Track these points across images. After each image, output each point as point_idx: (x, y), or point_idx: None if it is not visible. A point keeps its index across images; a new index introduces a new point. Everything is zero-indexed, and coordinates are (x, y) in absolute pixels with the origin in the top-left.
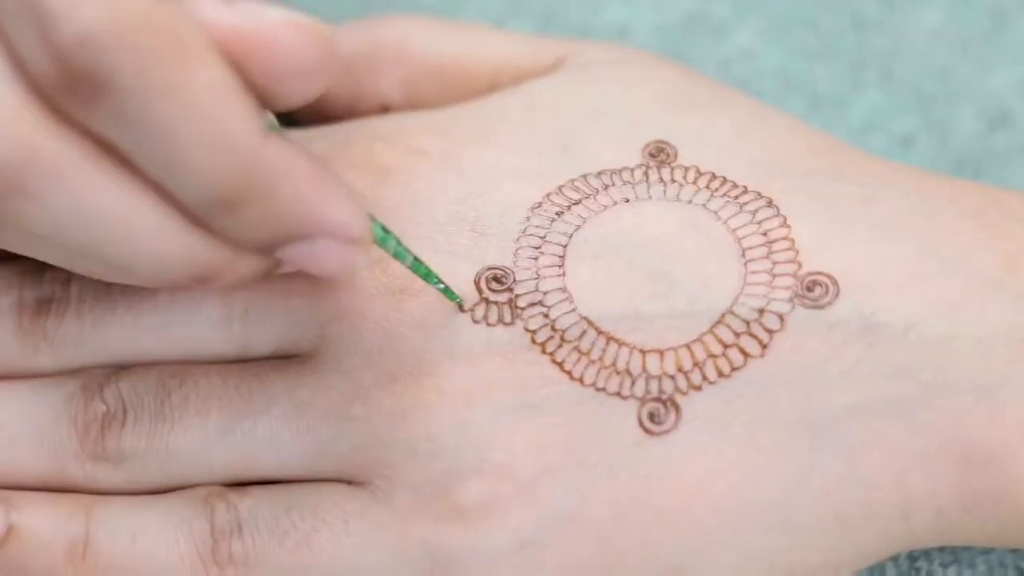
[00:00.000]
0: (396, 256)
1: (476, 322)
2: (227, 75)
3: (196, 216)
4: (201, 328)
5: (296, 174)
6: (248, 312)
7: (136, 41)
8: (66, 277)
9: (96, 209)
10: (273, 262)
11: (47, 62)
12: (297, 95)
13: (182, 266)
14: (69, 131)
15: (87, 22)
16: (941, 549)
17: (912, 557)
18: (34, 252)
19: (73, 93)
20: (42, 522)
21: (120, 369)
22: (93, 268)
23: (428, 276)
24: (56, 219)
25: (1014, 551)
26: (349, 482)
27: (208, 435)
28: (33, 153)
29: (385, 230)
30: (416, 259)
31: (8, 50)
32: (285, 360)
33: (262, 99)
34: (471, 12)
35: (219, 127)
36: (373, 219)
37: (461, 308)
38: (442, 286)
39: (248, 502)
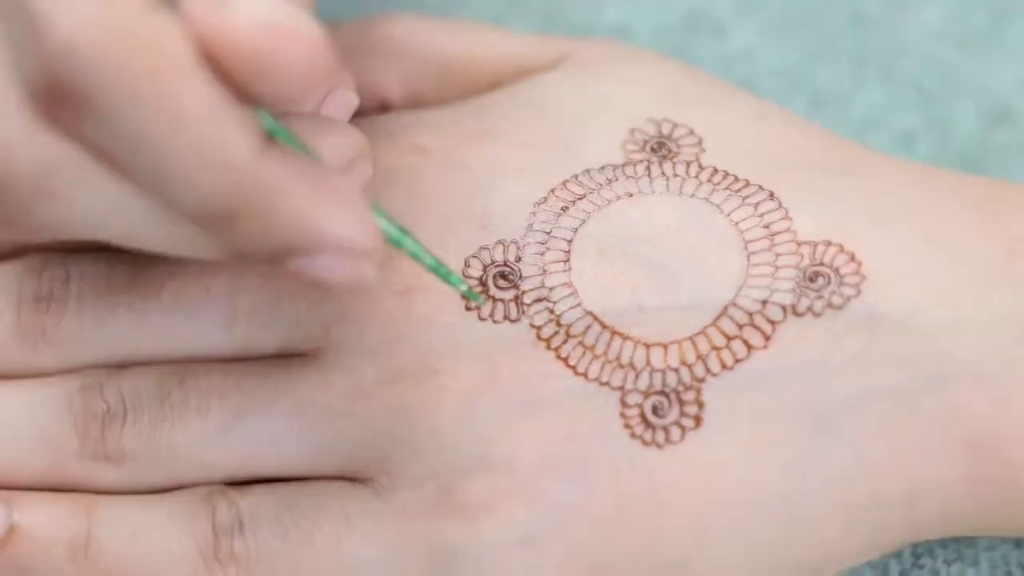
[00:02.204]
0: (414, 257)
1: (482, 319)
2: (216, 89)
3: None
4: (204, 328)
5: (294, 187)
6: (253, 312)
7: (119, 54)
8: (65, 275)
9: (118, 199)
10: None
11: (37, 70)
12: (281, 93)
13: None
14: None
15: (71, 32)
16: (945, 546)
17: (916, 554)
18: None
19: (60, 103)
20: (43, 521)
21: (121, 368)
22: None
23: (449, 277)
24: (83, 215)
25: (1018, 547)
26: (352, 479)
27: (209, 433)
28: (50, 155)
29: (402, 231)
30: (437, 260)
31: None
32: (288, 358)
33: (260, 98)
34: (472, 12)
35: (209, 143)
36: (391, 220)
37: (479, 309)
38: (464, 287)
39: (250, 500)
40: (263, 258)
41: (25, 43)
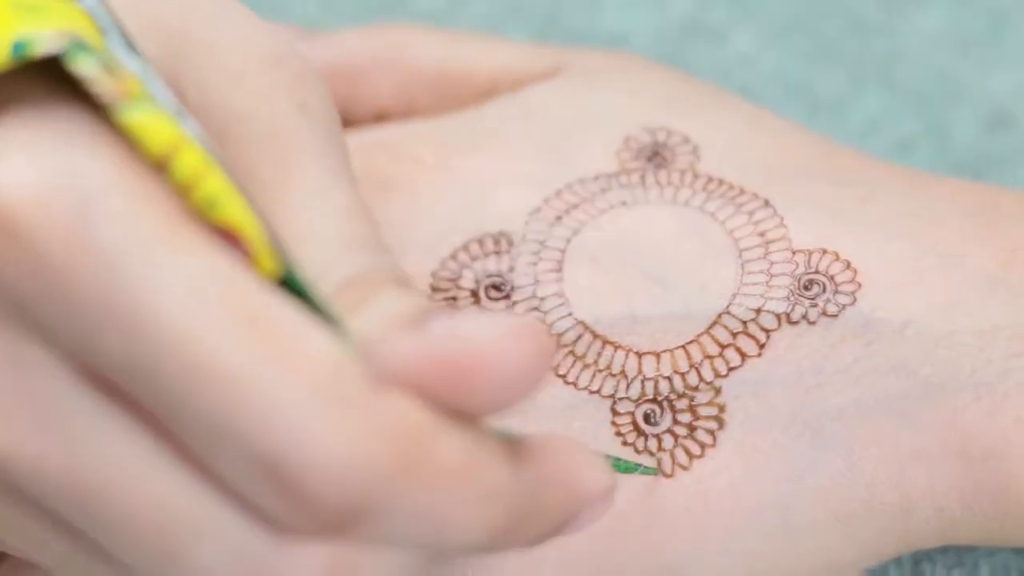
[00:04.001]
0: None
1: None
2: (469, 438)
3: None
4: None
5: (558, 480)
6: None
7: (382, 464)
8: None
9: None
10: None
11: (288, 509)
12: (512, 404)
13: None
14: None
15: (329, 468)
16: (945, 552)
17: (916, 560)
18: None
19: (325, 527)
20: None
21: None
22: None
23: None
24: None
25: (1018, 553)
26: None
27: None
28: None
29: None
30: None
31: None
32: None
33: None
34: (468, 19)
35: (482, 496)
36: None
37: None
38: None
39: None
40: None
41: (269, 492)
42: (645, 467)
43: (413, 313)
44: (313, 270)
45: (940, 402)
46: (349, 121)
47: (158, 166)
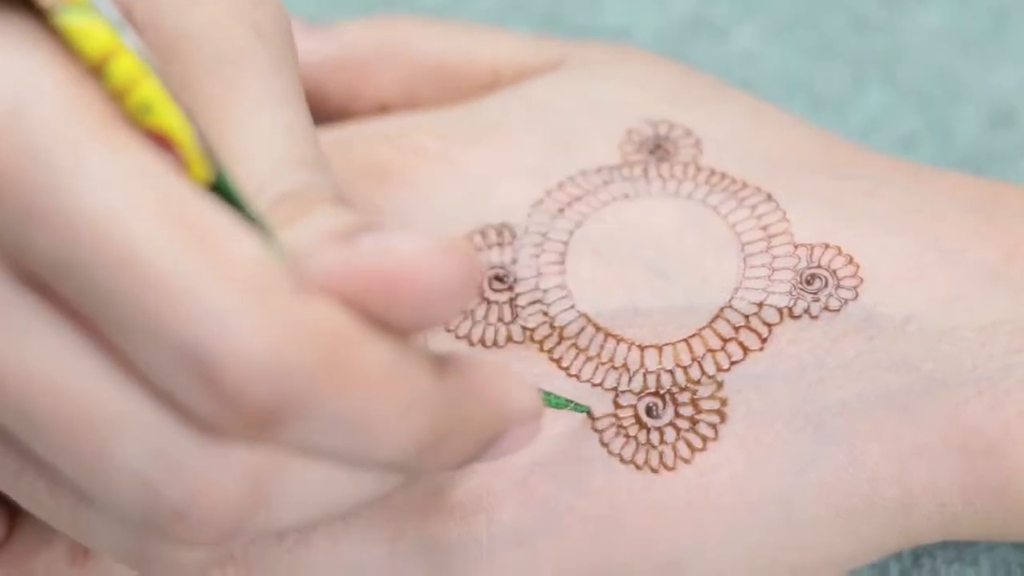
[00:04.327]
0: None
1: (476, 322)
2: (394, 347)
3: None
4: None
5: (482, 395)
6: None
7: (305, 363)
8: None
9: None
10: None
11: (211, 405)
12: (437, 320)
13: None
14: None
15: (252, 364)
16: (944, 546)
17: (915, 554)
18: None
19: (248, 425)
20: None
21: None
22: None
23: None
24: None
25: (1018, 548)
26: None
27: None
28: (247, 467)
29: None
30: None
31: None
32: None
33: (395, 326)
34: (471, 15)
35: (405, 404)
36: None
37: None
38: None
39: None
40: (459, 465)
41: (190, 385)
42: (577, 404)
43: (345, 229)
44: (254, 184)
45: (942, 397)
46: (351, 113)
47: (94, 70)
